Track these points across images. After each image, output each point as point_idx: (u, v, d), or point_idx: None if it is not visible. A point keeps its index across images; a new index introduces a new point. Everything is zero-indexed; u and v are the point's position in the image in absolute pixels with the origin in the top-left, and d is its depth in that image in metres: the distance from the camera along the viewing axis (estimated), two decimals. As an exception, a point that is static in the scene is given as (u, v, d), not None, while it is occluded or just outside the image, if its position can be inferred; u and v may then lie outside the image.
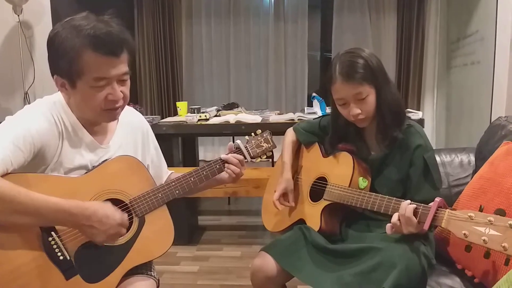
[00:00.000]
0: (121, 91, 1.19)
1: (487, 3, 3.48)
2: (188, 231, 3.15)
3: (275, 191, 1.62)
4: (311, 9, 5.16)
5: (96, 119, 1.25)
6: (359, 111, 1.43)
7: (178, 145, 3.44)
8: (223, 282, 2.54)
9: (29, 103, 3.65)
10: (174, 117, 3.65)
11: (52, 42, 1.15)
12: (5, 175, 1.05)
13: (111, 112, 1.22)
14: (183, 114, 3.48)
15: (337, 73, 1.42)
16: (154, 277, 1.32)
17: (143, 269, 1.30)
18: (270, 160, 4.01)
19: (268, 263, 1.47)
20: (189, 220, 3.22)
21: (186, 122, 3.19)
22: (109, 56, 1.13)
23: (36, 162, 1.15)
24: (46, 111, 1.20)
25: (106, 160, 1.26)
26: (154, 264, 1.38)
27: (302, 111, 3.49)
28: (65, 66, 1.14)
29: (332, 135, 1.61)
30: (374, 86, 1.42)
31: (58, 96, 1.25)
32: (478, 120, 3.64)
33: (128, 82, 1.23)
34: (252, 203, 4.03)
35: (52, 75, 1.19)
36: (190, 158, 3.79)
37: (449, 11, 4.55)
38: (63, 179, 1.17)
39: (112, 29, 1.14)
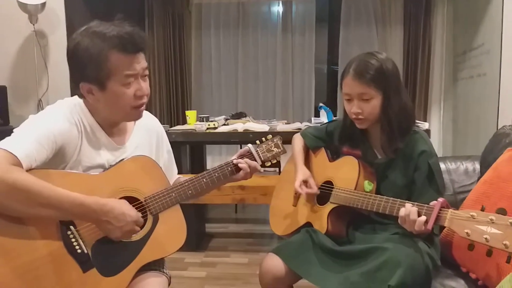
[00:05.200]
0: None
1: (492, 17, 3.52)
2: (196, 238, 3.18)
3: (295, 182, 1.62)
4: (318, 22, 5.23)
5: (124, 119, 1.32)
6: (359, 110, 1.47)
7: (186, 153, 3.49)
8: (230, 287, 2.57)
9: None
10: (183, 125, 3.70)
11: (75, 52, 1.21)
12: (28, 170, 1.11)
13: (138, 110, 1.29)
14: (192, 122, 3.53)
15: (351, 69, 1.47)
16: (166, 274, 1.37)
17: (156, 265, 1.34)
18: (278, 169, 4.06)
19: (276, 264, 1.51)
20: (197, 227, 3.26)
21: (195, 130, 3.25)
22: (133, 53, 1.21)
23: (57, 160, 1.21)
24: (67, 112, 1.25)
25: (122, 159, 1.32)
26: (166, 261, 1.42)
27: (309, 120, 3.54)
28: (93, 71, 1.19)
29: (340, 133, 1.65)
30: (382, 91, 1.45)
31: (78, 99, 1.30)
32: (484, 132, 3.66)
33: (147, 78, 1.30)
34: (259, 211, 4.06)
35: (78, 83, 1.24)
36: (198, 166, 3.84)
37: (455, 24, 4.60)
38: (82, 176, 1.23)
39: (130, 30, 1.21)
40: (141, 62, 1.24)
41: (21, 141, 1.12)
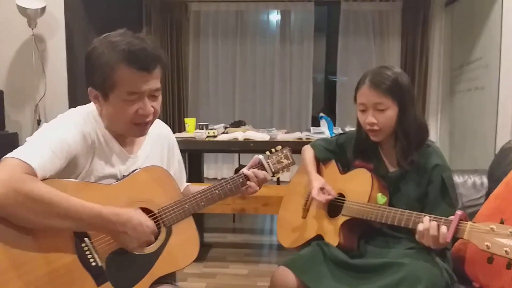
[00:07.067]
0: (152, 106, 1.23)
1: (491, 30, 3.56)
2: (194, 248, 3.14)
3: (311, 192, 1.60)
4: (317, 32, 5.25)
5: (125, 132, 1.28)
6: (374, 120, 1.47)
7: (185, 161, 3.45)
8: (230, 299, 2.54)
9: (39, 116, 3.64)
10: (182, 133, 3.67)
11: (89, 56, 1.20)
12: (43, 180, 1.08)
13: (140, 127, 1.25)
14: (191, 130, 3.50)
15: (366, 79, 1.48)
16: (178, 287, 1.34)
17: (169, 279, 1.31)
18: (276, 179, 4.04)
19: (288, 277, 1.48)
20: (195, 236, 3.21)
21: (195, 138, 3.22)
22: (142, 72, 1.17)
23: (70, 170, 1.18)
24: (80, 121, 1.23)
25: (135, 170, 1.29)
26: (177, 274, 1.39)
27: (308, 130, 3.52)
28: (99, 79, 1.18)
29: (354, 146, 1.64)
30: (397, 102, 1.46)
31: (92, 107, 1.28)
32: (482, 145, 3.68)
33: (160, 98, 1.26)
34: (257, 221, 4.02)
35: (87, 87, 1.23)
36: (195, 174, 3.80)
37: (453, 37, 4.65)
38: (96, 186, 1.20)
39: (146, 46, 1.18)
40: (149, 82, 1.19)
41: (35, 150, 1.10)
